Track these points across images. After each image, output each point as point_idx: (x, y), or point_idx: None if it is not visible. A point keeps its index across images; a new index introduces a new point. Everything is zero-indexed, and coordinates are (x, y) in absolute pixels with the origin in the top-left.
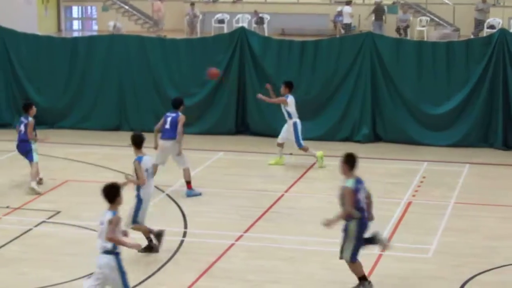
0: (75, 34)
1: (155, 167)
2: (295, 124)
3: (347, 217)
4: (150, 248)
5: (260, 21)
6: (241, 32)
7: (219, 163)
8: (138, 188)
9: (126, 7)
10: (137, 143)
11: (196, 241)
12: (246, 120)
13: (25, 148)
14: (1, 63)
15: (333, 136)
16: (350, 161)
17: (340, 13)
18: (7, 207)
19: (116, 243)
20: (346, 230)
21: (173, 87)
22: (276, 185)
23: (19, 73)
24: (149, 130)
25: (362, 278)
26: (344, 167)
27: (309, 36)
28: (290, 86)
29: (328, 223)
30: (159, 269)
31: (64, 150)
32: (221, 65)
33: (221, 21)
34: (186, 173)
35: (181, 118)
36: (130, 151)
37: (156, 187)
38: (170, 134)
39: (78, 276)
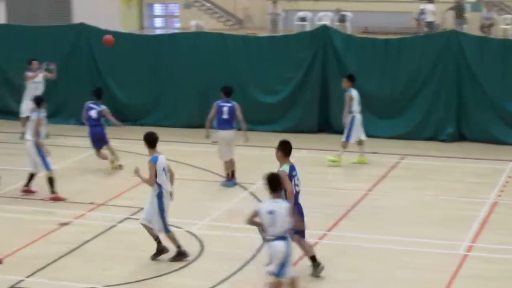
0: (157, 32)
1: (227, 164)
2: (352, 118)
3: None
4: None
5: (342, 19)
6: (324, 30)
7: (302, 161)
8: (157, 188)
9: (208, 4)
10: (151, 142)
11: None
12: (330, 118)
13: (99, 133)
14: (85, 60)
15: (417, 135)
16: (284, 148)
17: (423, 11)
18: (91, 203)
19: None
20: None
21: (256, 85)
22: (359, 183)
23: (102, 70)
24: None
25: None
26: (279, 154)
27: (391, 34)
28: (352, 80)
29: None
30: (241, 267)
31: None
32: (304, 63)
33: (303, 19)
34: (233, 164)
35: (238, 106)
36: (210, 147)
37: (239, 184)
38: (229, 124)
39: (161, 273)
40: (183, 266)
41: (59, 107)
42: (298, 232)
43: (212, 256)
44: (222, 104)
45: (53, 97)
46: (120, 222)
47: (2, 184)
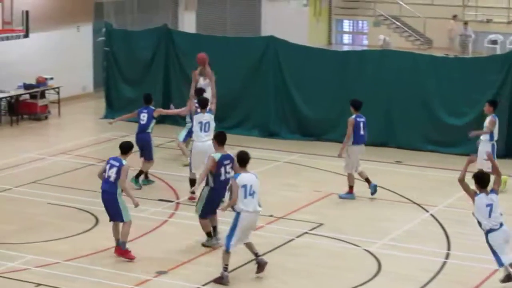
0: (345, 48)
1: (362, 174)
2: (493, 146)
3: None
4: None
5: None
6: None
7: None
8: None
9: (398, 23)
10: (242, 161)
11: (459, 263)
12: None
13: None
14: (272, 72)
15: None
16: (217, 138)
17: None
18: (271, 215)
19: None
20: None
21: (443, 106)
22: None
23: (288, 83)
24: (416, 148)
25: (208, 234)
26: (214, 143)
27: None
28: (494, 105)
29: None
30: None
31: (329, 162)
32: (493, 86)
33: (494, 42)
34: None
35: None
36: (395, 167)
37: (419, 206)
38: (364, 138)
39: None
40: (358, 285)
41: (243, 118)
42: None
43: (388, 276)
44: (359, 119)
45: (237, 108)
46: (298, 236)
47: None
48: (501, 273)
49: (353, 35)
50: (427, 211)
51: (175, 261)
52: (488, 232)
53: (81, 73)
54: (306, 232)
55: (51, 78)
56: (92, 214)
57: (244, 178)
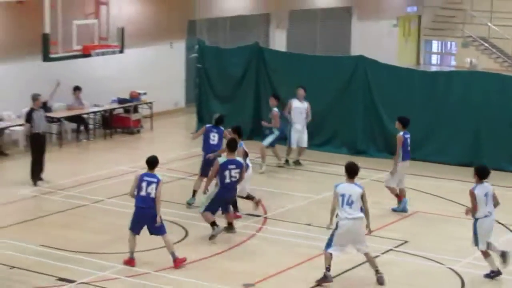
0: (433, 68)
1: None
2: None
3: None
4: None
5: None
6: None
7: None
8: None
9: (486, 44)
10: (348, 171)
11: None
12: None
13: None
14: (361, 91)
15: None
16: (229, 146)
17: None
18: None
19: None
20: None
21: None
22: None
23: (376, 102)
24: (503, 169)
25: (212, 224)
26: (225, 149)
27: None
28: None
29: None
30: None
31: (414, 181)
32: None
33: None
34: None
35: None
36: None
37: (504, 225)
38: (409, 154)
39: None
40: None
41: (332, 135)
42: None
43: None
44: (406, 136)
45: (327, 125)
46: (383, 253)
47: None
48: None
49: (442, 55)
50: (511, 231)
51: (262, 274)
52: (478, 218)
53: (173, 88)
54: (391, 249)
55: (145, 93)
56: (182, 227)
57: (344, 188)
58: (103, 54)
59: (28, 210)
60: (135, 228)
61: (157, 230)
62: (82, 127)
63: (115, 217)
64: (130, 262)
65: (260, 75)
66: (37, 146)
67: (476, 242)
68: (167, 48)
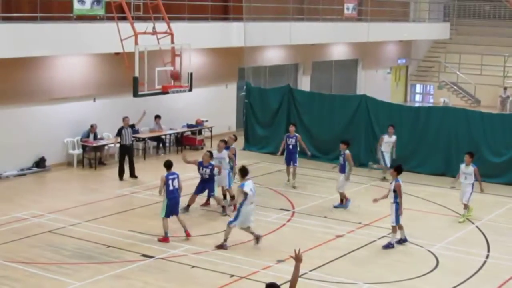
0: (417, 104)
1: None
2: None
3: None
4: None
5: None
6: None
7: None
8: None
9: (455, 87)
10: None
11: (495, 262)
12: None
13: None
14: (364, 120)
15: None
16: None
17: None
18: (359, 223)
19: None
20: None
21: (489, 149)
22: None
23: (374, 127)
24: None
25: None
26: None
27: None
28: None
29: None
30: (465, 281)
31: (407, 187)
32: None
33: None
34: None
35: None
36: (452, 191)
37: (468, 220)
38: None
39: (407, 277)
40: (422, 275)
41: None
42: None
43: (443, 270)
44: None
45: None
46: (379, 238)
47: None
48: None
49: (423, 95)
50: (473, 223)
51: (290, 252)
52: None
53: (227, 117)
54: (385, 236)
55: (206, 120)
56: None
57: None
58: (177, 92)
59: (121, 205)
60: (170, 214)
61: (177, 211)
62: (160, 145)
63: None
64: (165, 239)
65: (290, 107)
66: (123, 154)
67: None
68: (223, 88)
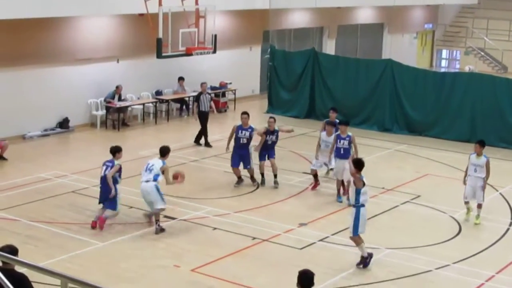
0: (442, 70)
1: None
2: None
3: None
4: None
5: None
6: None
7: None
8: None
9: (482, 53)
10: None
11: None
12: None
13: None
14: (389, 85)
15: None
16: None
17: None
18: (383, 188)
19: None
20: None
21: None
22: None
23: (400, 93)
24: (493, 145)
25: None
26: None
27: None
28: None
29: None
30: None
31: (427, 152)
32: None
33: None
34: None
35: None
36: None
37: (492, 187)
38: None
39: (430, 243)
40: (444, 241)
41: (367, 117)
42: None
43: (466, 237)
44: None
45: (363, 110)
46: (402, 204)
47: None
48: None
49: (449, 61)
50: (497, 190)
51: (313, 216)
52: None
53: (251, 80)
54: (408, 201)
55: (230, 83)
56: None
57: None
58: (200, 54)
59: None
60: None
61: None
62: (184, 107)
63: (206, 172)
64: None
65: (315, 71)
66: (201, 120)
67: (355, 230)
68: (248, 51)
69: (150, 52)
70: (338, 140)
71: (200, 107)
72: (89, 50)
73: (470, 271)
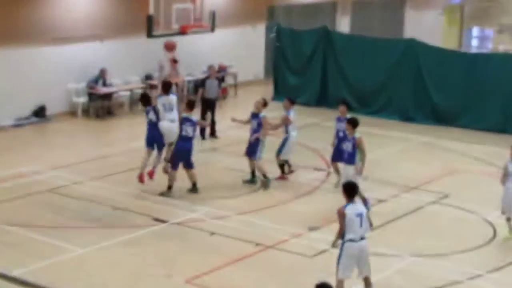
0: (473, 50)
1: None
2: None
3: None
4: None
5: None
6: None
7: None
8: None
9: None
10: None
11: None
12: None
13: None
14: (412, 68)
15: None
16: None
17: None
18: (405, 186)
19: None
20: None
21: None
22: None
23: (425, 77)
24: None
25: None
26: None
27: None
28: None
29: None
30: None
31: (456, 144)
32: None
33: None
34: None
35: None
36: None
37: None
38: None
39: (459, 249)
40: (476, 247)
41: (386, 104)
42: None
43: (502, 243)
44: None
45: (381, 96)
46: (427, 204)
47: None
48: None
49: (480, 40)
50: None
51: (324, 219)
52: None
53: (254, 63)
54: (434, 201)
55: (230, 66)
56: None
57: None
58: (197, 32)
59: (132, 160)
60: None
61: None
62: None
63: (204, 168)
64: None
65: (327, 53)
66: (205, 109)
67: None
68: (250, 29)
69: (139, 30)
70: (339, 132)
71: (205, 93)
72: (69, 28)
73: (508, 282)
